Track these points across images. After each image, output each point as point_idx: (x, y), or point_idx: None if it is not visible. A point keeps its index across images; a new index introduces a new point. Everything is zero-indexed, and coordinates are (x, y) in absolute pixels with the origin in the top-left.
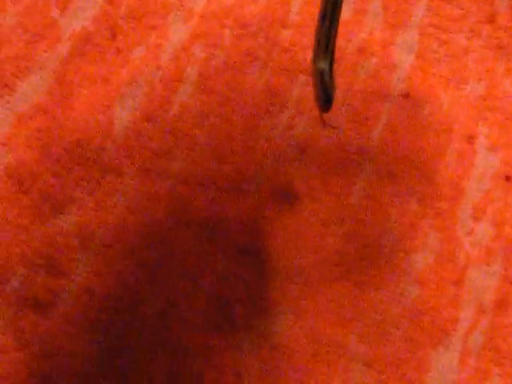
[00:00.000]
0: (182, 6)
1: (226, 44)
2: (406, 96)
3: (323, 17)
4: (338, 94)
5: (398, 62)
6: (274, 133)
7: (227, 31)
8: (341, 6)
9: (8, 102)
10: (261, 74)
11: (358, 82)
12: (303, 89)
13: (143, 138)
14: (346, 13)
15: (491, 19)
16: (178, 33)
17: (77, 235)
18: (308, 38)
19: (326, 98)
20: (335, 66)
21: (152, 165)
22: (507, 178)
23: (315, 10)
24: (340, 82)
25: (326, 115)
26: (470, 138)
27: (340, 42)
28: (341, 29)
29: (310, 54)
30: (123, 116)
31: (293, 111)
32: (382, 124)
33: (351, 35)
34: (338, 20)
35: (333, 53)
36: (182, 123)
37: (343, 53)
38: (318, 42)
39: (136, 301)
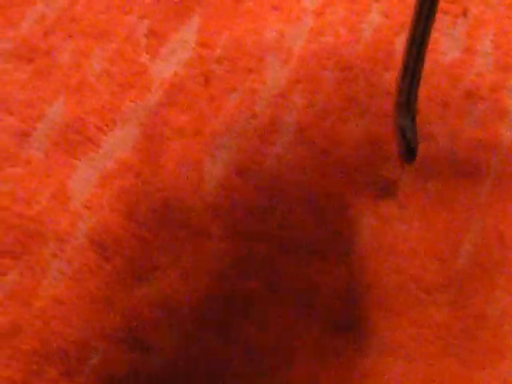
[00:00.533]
0: (279, 46)
1: (326, 89)
2: None
3: (405, 69)
4: (444, 143)
5: (509, 107)
6: (373, 188)
7: (328, 74)
8: (424, 60)
9: (92, 160)
10: (361, 122)
11: (465, 129)
12: None
13: (234, 196)
14: (453, 52)
15: None
16: (275, 76)
17: (161, 306)
18: None
19: (409, 153)
20: (418, 118)
21: (244, 226)
22: None
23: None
24: (445, 130)
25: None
26: None
27: (446, 84)
28: (448, 70)
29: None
30: (214, 171)
31: (393, 163)
32: (491, 178)
33: (458, 77)
34: (420, 73)
35: (415, 106)
36: (277, 179)
37: (450, 96)
38: (399, 95)
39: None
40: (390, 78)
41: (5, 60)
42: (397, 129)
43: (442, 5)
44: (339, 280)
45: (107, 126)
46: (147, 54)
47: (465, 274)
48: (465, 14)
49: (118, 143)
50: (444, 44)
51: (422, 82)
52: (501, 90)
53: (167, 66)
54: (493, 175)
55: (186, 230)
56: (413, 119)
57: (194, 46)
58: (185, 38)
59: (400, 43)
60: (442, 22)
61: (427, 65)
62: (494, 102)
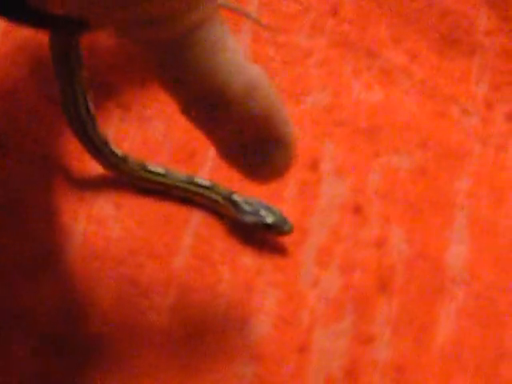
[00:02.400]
0: None
1: None
2: None
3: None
4: (160, 127)
5: None
6: (82, 190)
7: None
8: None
9: None
10: None
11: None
12: None
13: None
14: None
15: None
16: None
17: None
18: None
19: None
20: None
21: None
22: (356, 210)
23: None
24: (162, 115)
25: None
26: (314, 164)
27: None
28: None
29: None
30: None
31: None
32: (211, 155)
33: None
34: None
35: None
36: None
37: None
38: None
39: None
40: None
41: None
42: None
43: None
44: (53, 298)
45: None
46: None
47: (183, 271)
48: None
49: None
50: None
51: None
52: None
53: None
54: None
55: None
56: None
57: None
58: None
59: None
60: None
61: None
62: None
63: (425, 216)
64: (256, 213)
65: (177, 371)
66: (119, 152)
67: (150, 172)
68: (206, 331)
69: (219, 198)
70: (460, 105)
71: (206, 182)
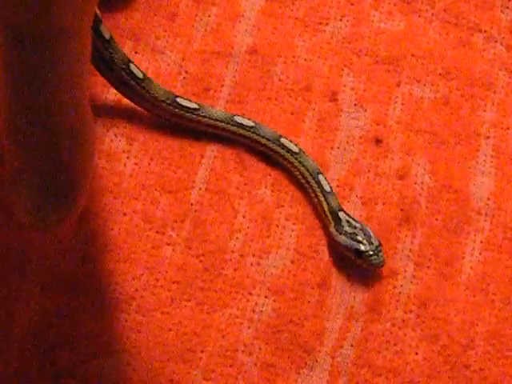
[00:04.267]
0: None
1: None
2: (253, 52)
3: None
4: (175, 57)
5: (242, 11)
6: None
7: None
8: None
9: None
10: None
11: (195, 40)
12: None
13: None
14: None
15: None
16: None
17: None
18: None
19: None
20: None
21: None
22: (377, 142)
23: None
24: (175, 42)
25: None
26: (333, 95)
27: None
28: None
29: None
30: None
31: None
32: (227, 89)
33: None
34: None
35: None
36: None
37: (176, 6)
38: None
39: None
40: None
41: None
42: None
43: None
44: (64, 234)
45: None
46: None
47: (200, 205)
48: None
49: None
50: None
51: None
52: None
53: None
54: (229, 85)
55: None
56: None
57: None
58: None
59: None
60: None
61: None
62: (226, 5)
63: (449, 147)
64: (353, 236)
65: (193, 307)
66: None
67: (182, 107)
68: (222, 266)
69: (264, 140)
70: (484, 32)
71: (248, 122)
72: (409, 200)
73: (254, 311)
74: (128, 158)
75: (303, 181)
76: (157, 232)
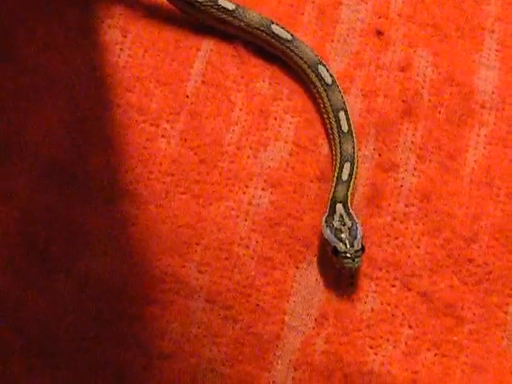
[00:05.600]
0: None
1: None
2: None
3: None
4: None
5: None
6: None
7: None
8: None
9: None
10: None
11: None
12: None
13: None
14: None
15: None
16: None
17: None
18: None
19: None
20: None
21: None
22: (378, 34)
23: None
24: None
25: None
26: None
27: None
28: None
29: None
30: None
31: None
32: None
33: None
34: None
35: None
36: None
37: None
38: None
39: None
40: None
41: None
42: None
43: None
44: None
45: None
46: None
47: (196, 98)
48: None
49: None
50: None
51: None
52: None
53: None
54: None
55: None
56: None
57: None
58: None
59: None
60: None
61: None
62: None
63: (452, 39)
64: (337, 232)
65: (188, 199)
66: None
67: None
68: (218, 159)
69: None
70: None
71: (285, 34)
72: (411, 92)
73: (250, 204)
74: (122, 49)
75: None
76: (151, 124)
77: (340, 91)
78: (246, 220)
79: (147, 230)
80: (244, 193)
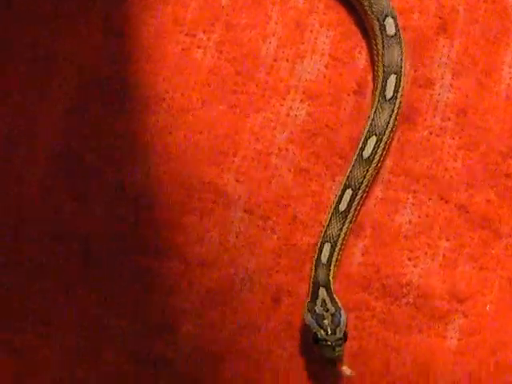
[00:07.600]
0: None
1: None
2: None
3: None
4: None
5: None
6: None
7: None
8: None
9: None
10: None
11: None
12: None
13: None
14: None
15: None
16: None
17: None
18: None
19: None
20: None
21: None
22: None
23: None
24: None
25: None
26: None
27: None
28: None
29: None
30: None
31: None
32: None
33: None
34: None
35: None
36: None
37: None
38: None
39: None
40: None
41: None
42: None
43: None
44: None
45: None
46: None
47: (232, 9)
48: None
49: None
50: None
51: None
52: None
53: None
54: None
55: None
56: None
57: None
58: None
59: None
60: None
61: None
62: None
63: None
64: (319, 319)
65: (225, 110)
66: None
67: None
68: (255, 70)
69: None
70: None
71: None
72: (447, 9)
73: (288, 115)
74: None
75: None
76: (186, 35)
77: None
78: (283, 131)
79: (184, 138)
80: (281, 105)
